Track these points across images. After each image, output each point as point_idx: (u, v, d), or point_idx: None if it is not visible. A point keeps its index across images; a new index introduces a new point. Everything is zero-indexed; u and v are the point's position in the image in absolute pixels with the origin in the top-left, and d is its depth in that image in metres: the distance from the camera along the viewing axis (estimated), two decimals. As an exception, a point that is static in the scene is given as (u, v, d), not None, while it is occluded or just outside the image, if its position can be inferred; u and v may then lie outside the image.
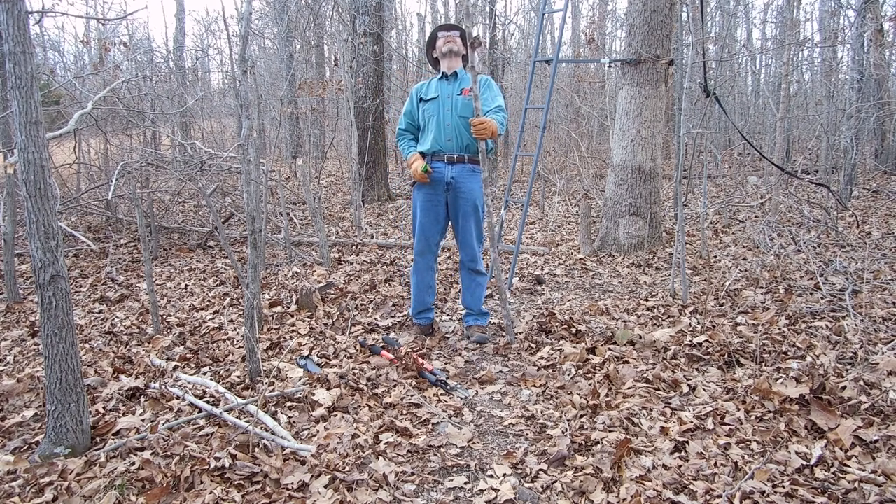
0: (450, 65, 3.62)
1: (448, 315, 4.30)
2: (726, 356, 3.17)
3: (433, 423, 2.71)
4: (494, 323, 4.05)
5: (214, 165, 7.02)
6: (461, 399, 2.96)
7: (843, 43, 10.98)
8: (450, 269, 5.50)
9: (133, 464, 2.30)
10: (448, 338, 3.82)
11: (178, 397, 2.90)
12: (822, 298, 4.02)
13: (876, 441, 2.31)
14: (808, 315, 3.78)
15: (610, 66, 10.45)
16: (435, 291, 3.92)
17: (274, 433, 2.48)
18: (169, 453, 2.32)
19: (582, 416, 2.66)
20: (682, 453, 2.34)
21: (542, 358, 3.38)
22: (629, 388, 2.87)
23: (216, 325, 4.16)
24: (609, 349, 3.32)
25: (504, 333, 3.85)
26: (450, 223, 3.76)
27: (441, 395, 2.99)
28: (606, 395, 2.81)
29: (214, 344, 3.82)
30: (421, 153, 3.64)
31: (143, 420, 2.72)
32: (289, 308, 4.35)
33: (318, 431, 2.57)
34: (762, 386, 2.69)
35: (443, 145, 3.57)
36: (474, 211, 3.63)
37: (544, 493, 2.18)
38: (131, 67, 10.62)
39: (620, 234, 5.88)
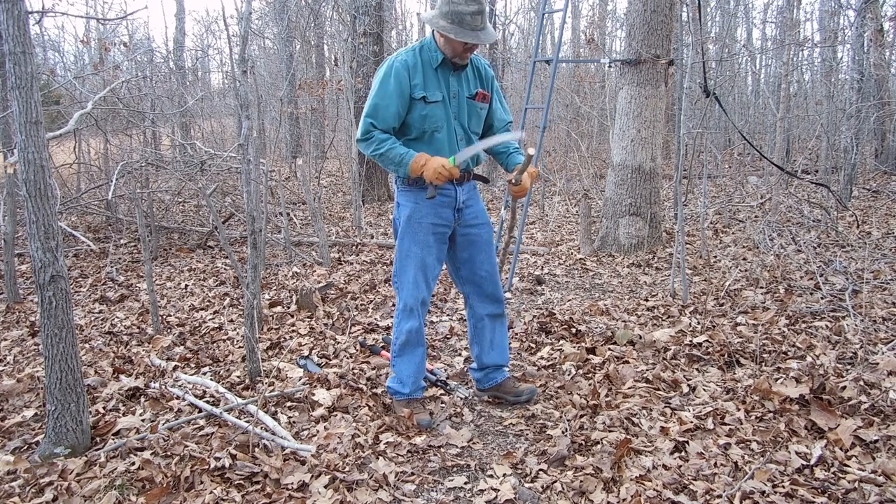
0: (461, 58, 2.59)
1: (448, 315, 4.29)
2: (726, 356, 3.17)
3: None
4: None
5: (214, 165, 7.01)
6: (461, 399, 2.96)
7: (843, 43, 10.97)
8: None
9: (133, 464, 2.30)
10: (448, 338, 3.82)
11: (178, 397, 2.90)
12: (822, 298, 4.02)
13: (876, 441, 2.31)
14: (808, 315, 3.78)
15: (610, 66, 10.44)
16: None
17: (274, 433, 2.48)
18: (169, 453, 2.32)
19: (582, 416, 2.66)
20: (682, 453, 2.34)
21: (542, 358, 3.38)
22: (629, 388, 2.87)
23: (216, 325, 4.16)
24: (609, 349, 3.32)
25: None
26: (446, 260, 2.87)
27: (441, 395, 2.99)
28: (606, 395, 2.81)
29: (214, 344, 3.83)
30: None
31: (143, 420, 2.72)
32: (289, 308, 4.35)
33: (318, 431, 2.57)
34: (762, 386, 2.69)
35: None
36: (490, 231, 2.88)
37: (544, 493, 2.18)
38: (131, 67, 10.59)
39: (620, 234, 5.87)
